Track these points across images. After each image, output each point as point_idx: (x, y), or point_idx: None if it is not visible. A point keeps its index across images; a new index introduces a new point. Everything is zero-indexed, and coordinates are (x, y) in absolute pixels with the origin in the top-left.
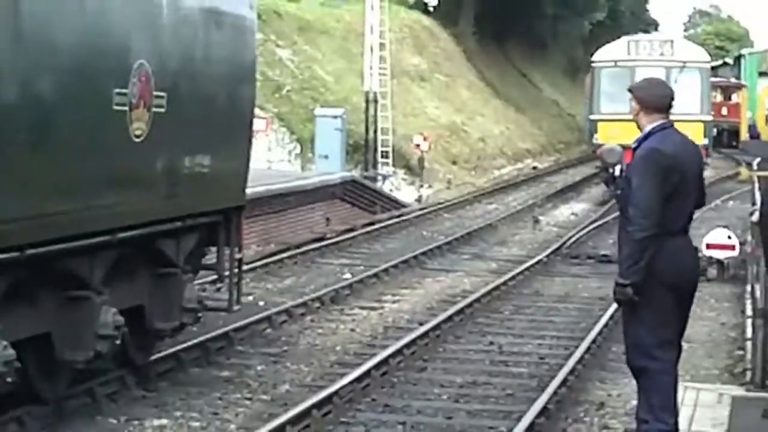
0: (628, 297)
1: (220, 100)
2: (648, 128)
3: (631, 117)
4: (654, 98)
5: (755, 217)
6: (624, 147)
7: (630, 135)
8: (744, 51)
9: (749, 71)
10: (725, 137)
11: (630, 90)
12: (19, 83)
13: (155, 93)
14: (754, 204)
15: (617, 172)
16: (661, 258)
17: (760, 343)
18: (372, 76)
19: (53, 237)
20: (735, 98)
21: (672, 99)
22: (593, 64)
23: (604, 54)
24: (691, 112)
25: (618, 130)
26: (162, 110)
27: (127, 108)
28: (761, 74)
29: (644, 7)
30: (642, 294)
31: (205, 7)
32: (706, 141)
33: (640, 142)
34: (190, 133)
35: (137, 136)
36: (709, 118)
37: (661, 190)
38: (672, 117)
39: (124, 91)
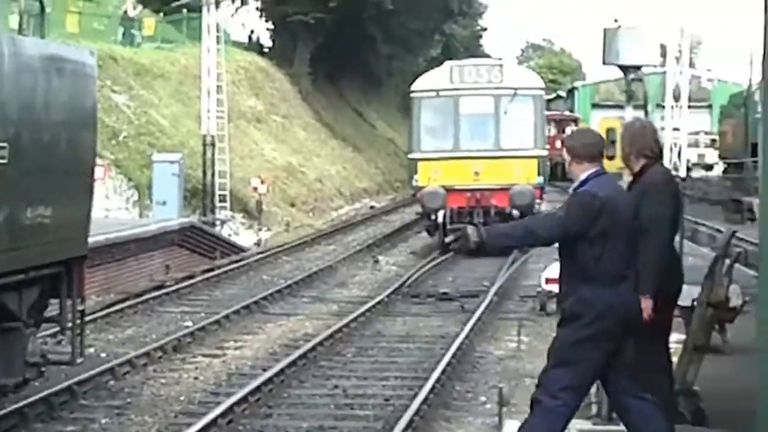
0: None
1: (61, 149)
2: (582, 176)
3: (454, 156)
4: (583, 147)
5: None
6: (447, 190)
7: (454, 176)
8: (577, 83)
9: (582, 103)
10: (560, 171)
11: (561, 141)
12: None
13: None
14: None
15: (440, 218)
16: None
17: None
18: (209, 119)
19: None
20: (569, 131)
21: (602, 146)
22: (412, 95)
23: (424, 83)
24: (523, 147)
25: (440, 170)
26: (3, 161)
27: None
28: (594, 106)
29: (478, 42)
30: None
31: (46, 55)
32: (539, 180)
33: (575, 190)
34: (32, 183)
35: None
36: (544, 153)
37: (583, 228)
38: (501, 153)
39: None
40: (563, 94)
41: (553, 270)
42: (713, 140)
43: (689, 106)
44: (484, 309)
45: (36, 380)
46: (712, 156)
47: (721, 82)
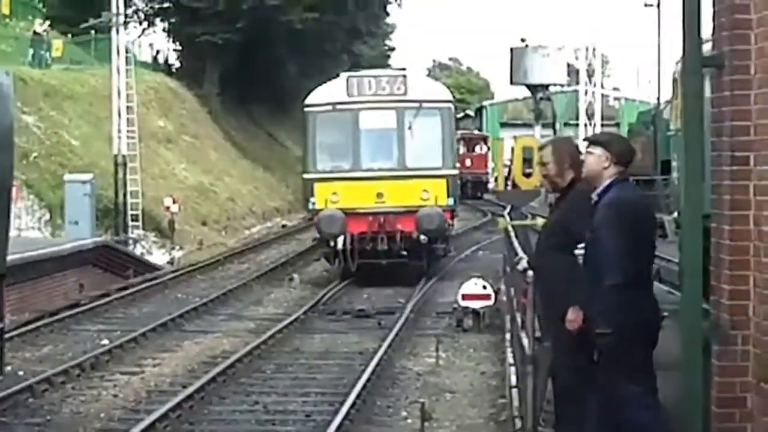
0: (611, 345)
1: None
2: (607, 181)
3: (354, 176)
4: (628, 154)
5: (522, 266)
6: (347, 213)
7: (355, 198)
8: (485, 102)
9: (491, 122)
10: (469, 188)
11: (594, 142)
12: None
13: None
14: (516, 254)
15: (340, 245)
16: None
17: (530, 389)
18: (120, 139)
19: None
20: (478, 149)
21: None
22: (306, 110)
23: (318, 96)
24: (430, 166)
25: (339, 192)
26: None
27: None
28: (503, 125)
29: (386, 62)
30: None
31: None
32: (450, 201)
33: (600, 195)
34: None
35: None
36: (455, 171)
37: (631, 238)
38: (406, 172)
39: None
40: (471, 113)
41: (470, 286)
42: None
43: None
44: (401, 325)
45: None
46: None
47: (629, 101)
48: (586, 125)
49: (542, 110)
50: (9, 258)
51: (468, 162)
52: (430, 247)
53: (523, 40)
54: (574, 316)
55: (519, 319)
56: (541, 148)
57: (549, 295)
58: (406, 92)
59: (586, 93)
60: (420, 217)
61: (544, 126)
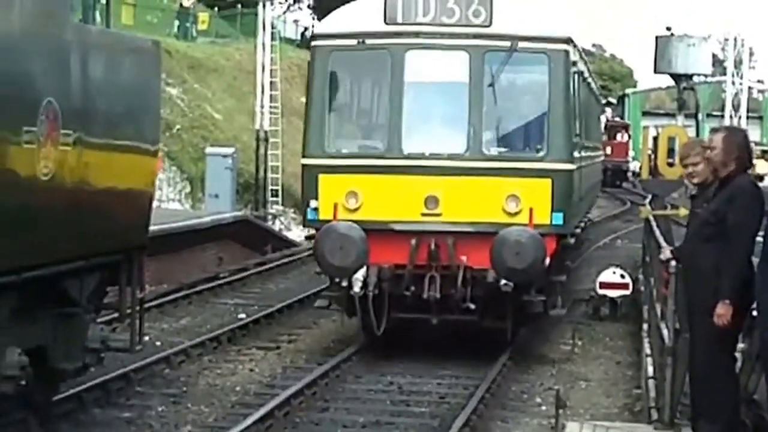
0: None
1: (126, 138)
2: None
3: (389, 165)
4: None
5: (664, 255)
6: (370, 230)
7: (388, 205)
8: (628, 91)
9: (633, 111)
10: (609, 176)
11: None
12: None
13: (62, 131)
14: (657, 243)
15: (358, 287)
16: None
17: (669, 381)
18: (263, 114)
19: None
20: (620, 137)
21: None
22: (314, 44)
23: (337, 22)
24: (524, 156)
25: (360, 192)
26: (69, 148)
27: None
28: (645, 114)
29: None
30: None
31: (112, 43)
32: (556, 219)
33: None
34: (96, 171)
35: (44, 174)
36: (570, 165)
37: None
38: (481, 162)
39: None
40: (613, 100)
41: (608, 275)
42: (764, 151)
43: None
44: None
45: (94, 366)
46: (763, 167)
47: None
48: (731, 117)
49: (685, 100)
50: (150, 229)
51: (609, 150)
52: (517, 299)
53: (668, 29)
54: (723, 311)
55: (658, 310)
56: (714, 131)
57: (696, 287)
58: (489, 21)
59: (732, 84)
60: (500, 244)
61: (686, 116)
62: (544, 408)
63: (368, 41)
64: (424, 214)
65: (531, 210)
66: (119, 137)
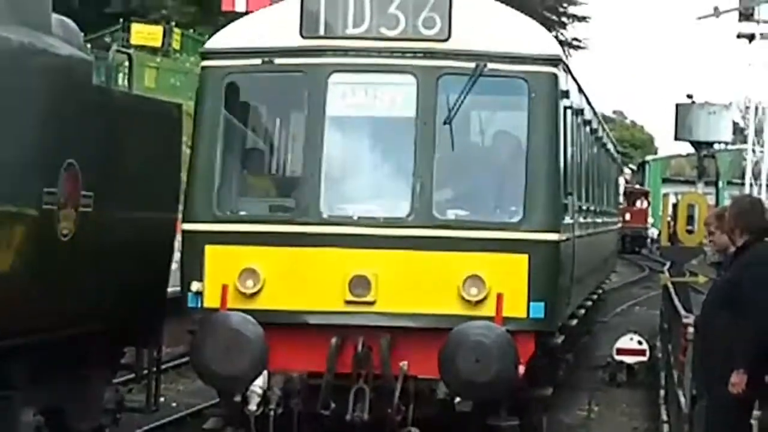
0: None
1: (146, 201)
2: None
3: (300, 232)
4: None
5: (686, 321)
6: (268, 325)
7: (297, 288)
8: (648, 157)
9: (653, 178)
10: (628, 243)
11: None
12: None
13: (83, 193)
14: (675, 310)
15: (253, 404)
16: None
17: None
18: None
19: None
20: (639, 204)
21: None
22: (204, 65)
23: (236, 35)
24: (491, 220)
25: (259, 270)
26: (88, 209)
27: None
28: (665, 180)
29: None
30: None
31: (133, 107)
32: (536, 312)
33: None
34: (115, 233)
35: (64, 236)
36: (557, 236)
37: None
38: (431, 230)
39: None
40: (634, 167)
41: (625, 341)
42: None
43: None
44: None
45: (110, 427)
46: None
47: None
48: (751, 185)
49: (706, 167)
50: (168, 290)
51: (628, 216)
52: (478, 423)
53: (689, 96)
54: (738, 380)
55: (675, 376)
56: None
57: (711, 355)
58: (447, 33)
59: (753, 152)
60: (454, 346)
61: (707, 184)
62: None
63: (277, 61)
64: (349, 302)
65: (499, 297)
66: (139, 199)
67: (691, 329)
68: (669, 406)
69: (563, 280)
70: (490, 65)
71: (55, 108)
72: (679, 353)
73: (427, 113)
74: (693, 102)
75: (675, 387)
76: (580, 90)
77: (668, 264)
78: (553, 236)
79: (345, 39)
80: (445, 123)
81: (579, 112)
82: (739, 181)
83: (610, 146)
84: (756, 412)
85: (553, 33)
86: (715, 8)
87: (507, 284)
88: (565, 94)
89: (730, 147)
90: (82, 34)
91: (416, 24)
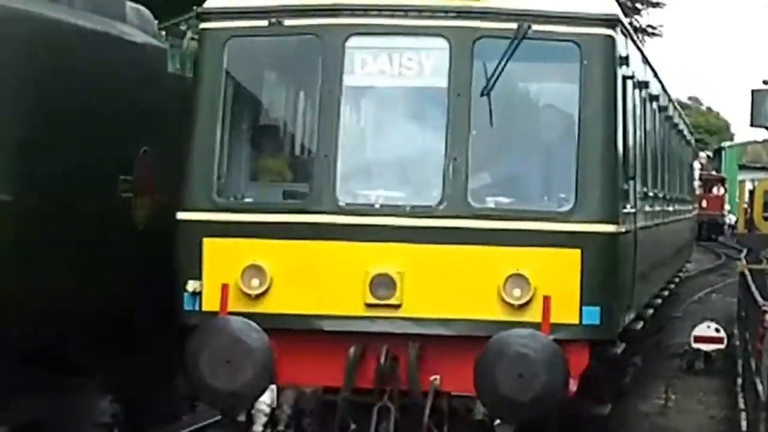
0: None
1: None
2: None
3: (314, 222)
4: None
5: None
6: (271, 331)
7: (309, 289)
8: (724, 144)
9: (729, 164)
10: (704, 230)
11: None
12: None
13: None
14: (753, 298)
15: (259, 425)
16: None
17: None
18: None
19: None
20: (716, 191)
21: None
22: (203, 26)
23: None
24: (538, 209)
25: (267, 265)
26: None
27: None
28: (741, 167)
29: None
30: None
31: None
32: (590, 318)
33: None
34: None
35: (140, 223)
36: (624, 227)
37: None
38: (466, 221)
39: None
40: (710, 153)
41: (702, 329)
42: None
43: None
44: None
45: (187, 415)
46: None
47: None
48: None
49: None
50: None
51: (704, 203)
52: None
53: (765, 82)
54: None
55: (753, 364)
56: None
57: None
58: None
59: None
60: (492, 359)
61: None
62: None
63: (287, 22)
64: (370, 306)
65: (546, 300)
66: None
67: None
68: (746, 394)
69: (623, 278)
70: (535, 26)
71: (130, 96)
72: (756, 341)
73: (461, 83)
74: None
75: (753, 375)
76: (645, 60)
77: (745, 251)
78: (610, 228)
79: (363, 2)
80: (482, 95)
81: (643, 85)
82: None
83: (683, 128)
84: None
85: (627, 20)
86: None
87: (556, 285)
88: (625, 61)
89: None
90: (157, 21)
91: None
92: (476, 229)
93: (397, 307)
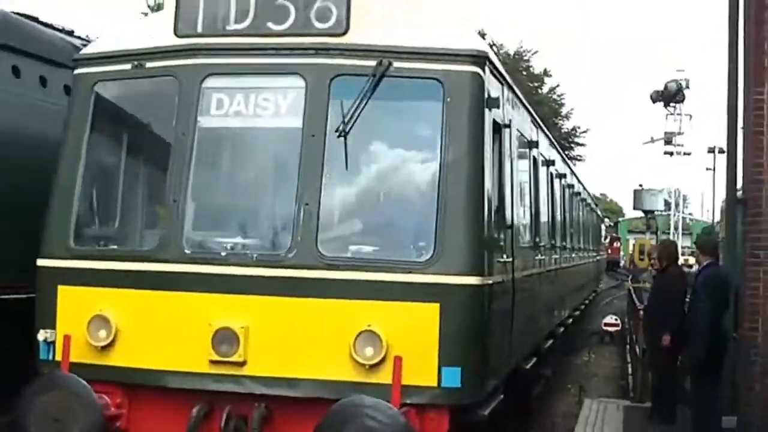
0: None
1: None
2: (704, 263)
3: (153, 271)
4: (713, 246)
5: (639, 307)
6: (93, 382)
7: (146, 342)
8: (620, 219)
9: (623, 230)
10: (610, 266)
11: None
12: None
13: None
14: (634, 302)
15: None
16: None
17: (639, 377)
18: None
19: None
20: (616, 244)
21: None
22: (76, 72)
23: (109, 41)
24: (392, 258)
25: (111, 317)
26: None
27: None
28: (629, 231)
29: None
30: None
31: None
32: (449, 380)
33: (699, 271)
34: None
35: None
36: (491, 278)
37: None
38: (313, 271)
39: None
40: (611, 224)
41: (608, 319)
42: (692, 252)
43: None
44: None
45: None
46: (691, 260)
47: (697, 221)
48: (674, 233)
49: (650, 224)
50: None
51: (609, 251)
52: None
53: (640, 185)
54: (666, 339)
55: (634, 338)
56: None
57: (652, 326)
58: (345, 26)
59: (674, 215)
60: (332, 428)
61: (651, 233)
62: (572, 391)
63: (149, 64)
64: (214, 363)
65: (397, 361)
66: None
67: (641, 313)
68: (631, 354)
69: (493, 333)
70: (397, 63)
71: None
72: (634, 326)
73: (316, 123)
74: (642, 188)
75: (633, 344)
76: (527, 109)
77: (630, 276)
78: (472, 279)
79: (224, 36)
80: (339, 135)
81: (533, 144)
82: (668, 231)
83: (586, 197)
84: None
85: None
86: (651, 137)
87: (412, 343)
88: (495, 103)
89: (663, 213)
90: None
91: (308, 16)
92: (326, 280)
93: (242, 364)
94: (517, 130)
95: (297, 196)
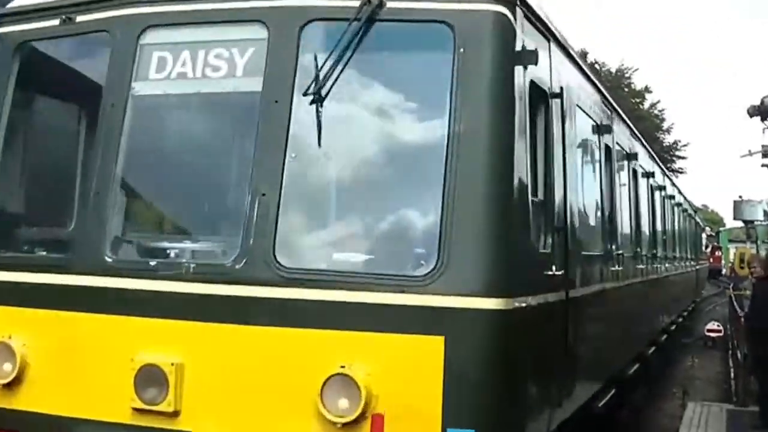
0: None
1: None
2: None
3: (66, 285)
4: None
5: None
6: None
7: (88, 375)
8: (721, 229)
9: (724, 240)
10: (712, 274)
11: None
12: None
13: None
14: (735, 308)
15: None
16: None
17: (742, 382)
18: None
19: None
20: (717, 253)
21: None
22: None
23: None
24: (390, 279)
25: (42, 345)
26: None
27: None
28: (730, 241)
29: None
30: None
31: None
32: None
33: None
34: None
35: None
36: (514, 303)
37: None
38: (272, 289)
39: None
40: (713, 233)
41: (711, 325)
42: None
43: None
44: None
45: None
46: None
47: None
48: None
49: (751, 234)
50: None
51: (712, 259)
52: None
53: (740, 197)
54: None
55: (736, 344)
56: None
57: (753, 334)
58: None
59: None
60: None
61: (751, 243)
62: (677, 394)
63: (80, 18)
64: (138, 412)
65: (376, 421)
66: None
67: (742, 319)
68: (733, 358)
69: (529, 375)
70: (389, 2)
71: None
72: (736, 332)
73: (280, 85)
74: (742, 199)
75: (735, 349)
76: (608, 104)
77: (732, 284)
78: (492, 303)
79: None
80: (311, 102)
81: (604, 129)
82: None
83: (686, 206)
84: None
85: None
86: (749, 150)
87: (403, 393)
88: (530, 58)
89: (763, 223)
90: None
91: None
92: (285, 301)
93: (173, 415)
94: (578, 106)
95: (250, 183)
